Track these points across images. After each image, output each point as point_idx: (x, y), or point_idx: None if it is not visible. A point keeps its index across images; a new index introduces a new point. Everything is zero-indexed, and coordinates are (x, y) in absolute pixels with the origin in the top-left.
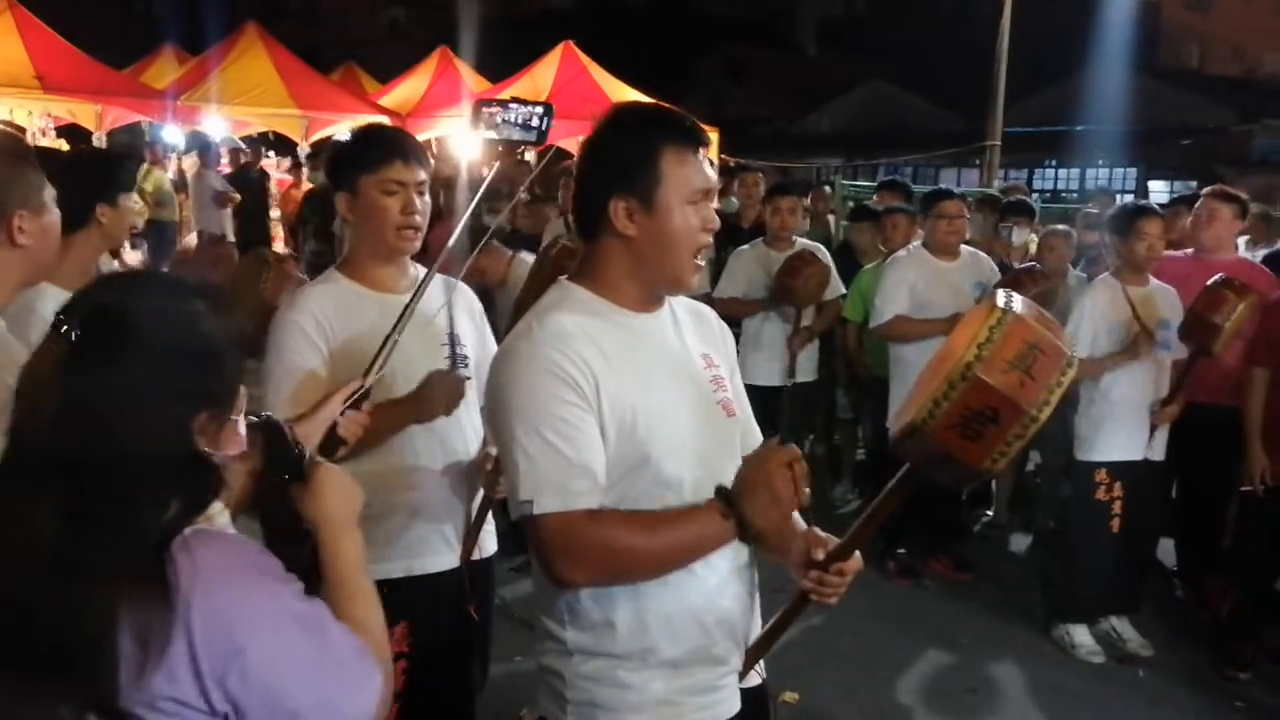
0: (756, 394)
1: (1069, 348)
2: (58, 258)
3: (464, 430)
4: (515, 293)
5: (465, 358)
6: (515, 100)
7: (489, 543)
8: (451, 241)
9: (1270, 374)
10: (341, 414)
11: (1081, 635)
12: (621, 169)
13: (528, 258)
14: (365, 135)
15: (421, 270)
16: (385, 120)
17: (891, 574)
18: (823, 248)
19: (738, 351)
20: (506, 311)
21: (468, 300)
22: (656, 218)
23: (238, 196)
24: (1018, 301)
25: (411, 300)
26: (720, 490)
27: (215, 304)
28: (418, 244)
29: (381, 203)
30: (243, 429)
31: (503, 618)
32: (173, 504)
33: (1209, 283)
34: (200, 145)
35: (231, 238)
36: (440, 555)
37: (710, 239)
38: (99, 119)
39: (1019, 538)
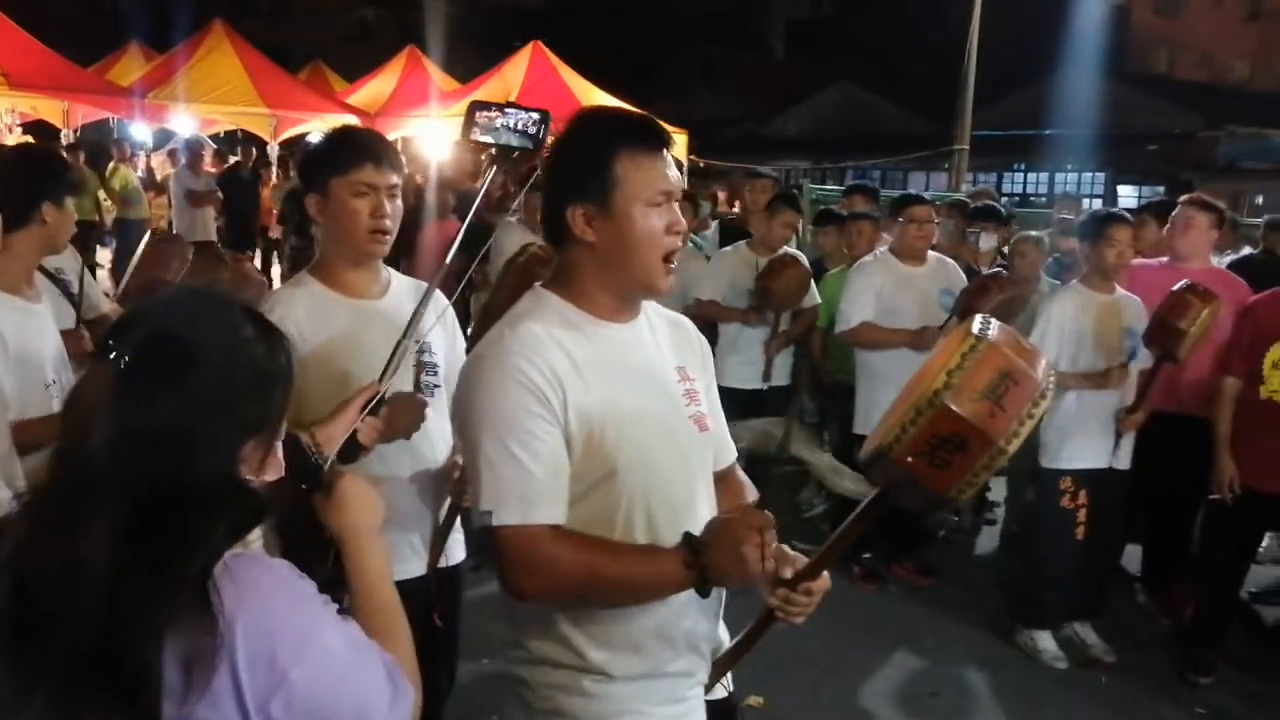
0: (732, 397)
1: (1045, 378)
2: None
3: (433, 438)
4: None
5: (435, 366)
6: (511, 105)
7: (456, 550)
8: (454, 248)
9: (1240, 383)
10: (360, 420)
11: (1045, 640)
12: (576, 175)
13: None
14: (337, 137)
15: (393, 273)
16: (354, 119)
17: (856, 579)
18: (800, 254)
19: (714, 354)
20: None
21: (440, 305)
22: (615, 222)
23: (218, 195)
24: (994, 328)
25: (420, 307)
26: (688, 537)
27: (264, 329)
28: (387, 248)
29: (352, 205)
30: (281, 456)
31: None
32: (218, 531)
33: (1174, 288)
34: (182, 144)
35: (213, 237)
36: (408, 563)
37: (678, 242)
38: (65, 116)
39: (983, 539)
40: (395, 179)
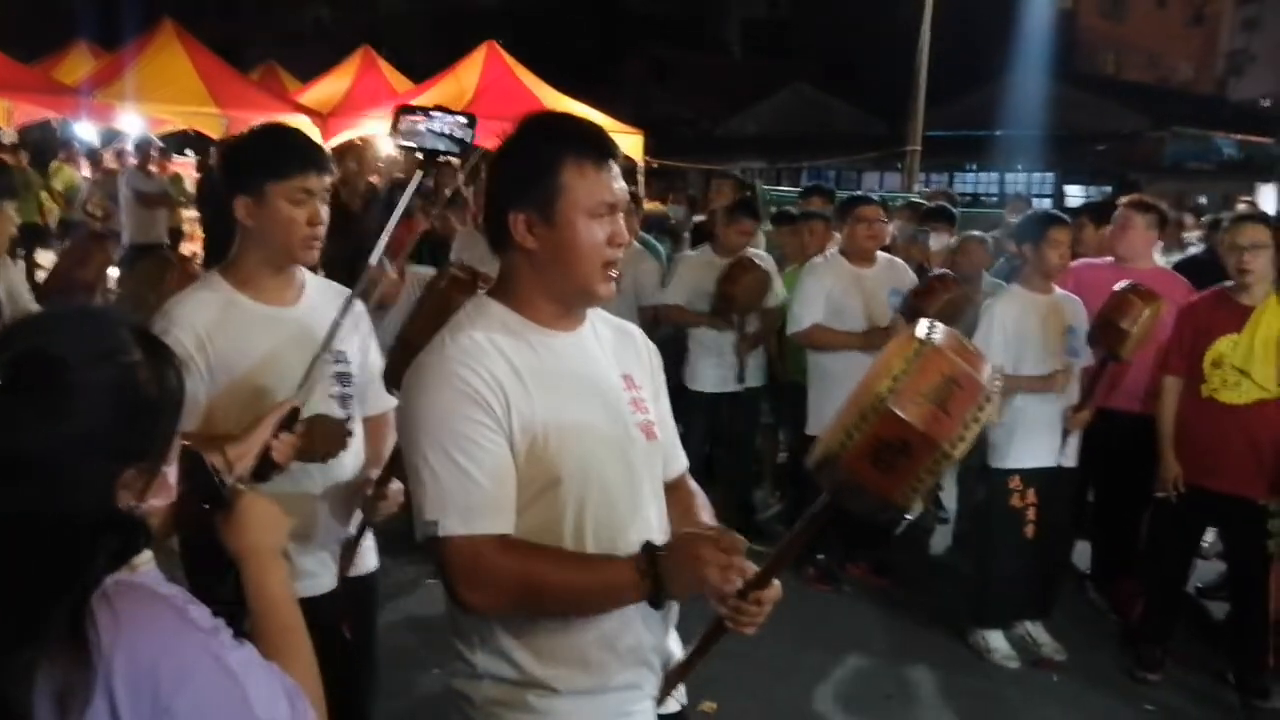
0: (706, 401)
1: (989, 382)
2: None
3: (345, 452)
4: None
5: (349, 375)
6: (439, 109)
7: (369, 558)
8: (376, 252)
9: (1182, 381)
10: (274, 437)
11: (997, 640)
12: (520, 181)
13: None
14: (273, 140)
15: (308, 276)
16: (306, 120)
17: (810, 580)
18: (766, 255)
19: (686, 359)
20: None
21: (357, 313)
22: (556, 230)
23: (170, 197)
24: (939, 332)
25: (339, 318)
26: (648, 547)
27: (153, 352)
28: (317, 254)
29: (289, 213)
30: (173, 477)
31: (418, 629)
32: (91, 563)
33: (1115, 288)
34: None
35: (164, 240)
36: (318, 579)
37: (619, 254)
38: (8, 115)
39: (936, 539)
40: (329, 183)
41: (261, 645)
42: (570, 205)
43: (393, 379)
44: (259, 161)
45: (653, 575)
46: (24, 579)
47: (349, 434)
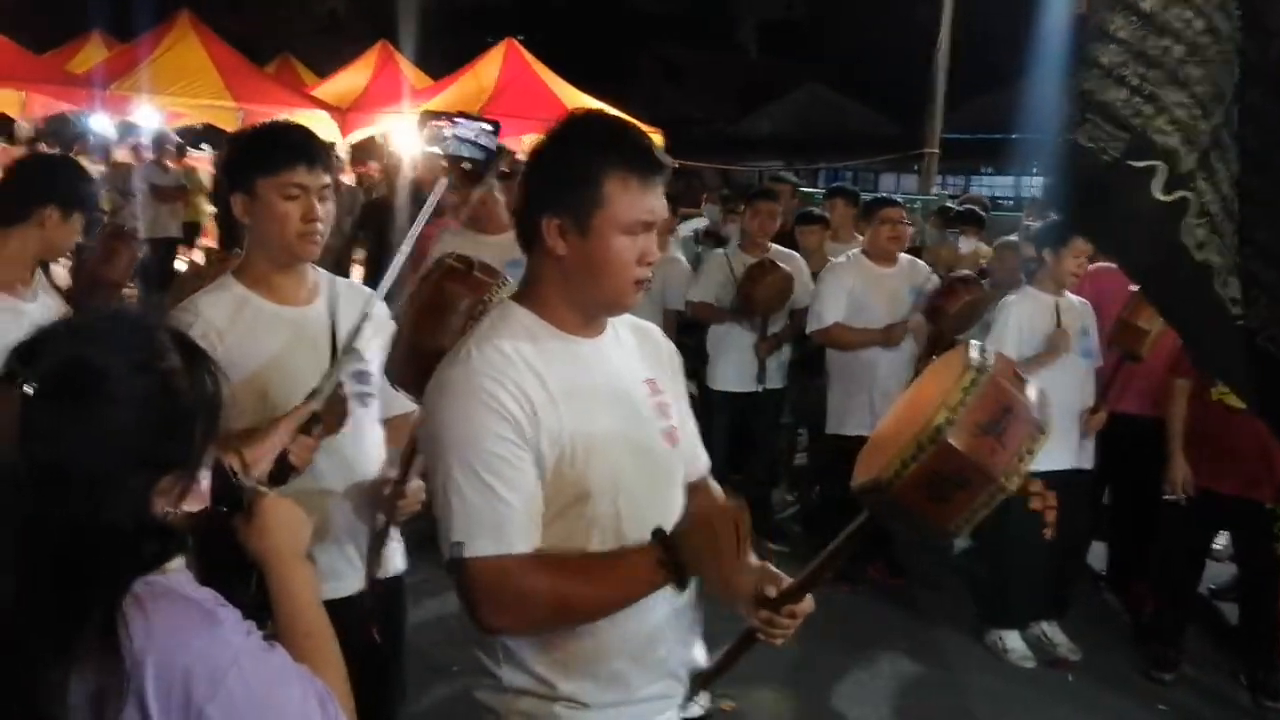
0: (727, 400)
1: (1040, 410)
2: None
3: (366, 451)
4: None
5: (368, 373)
6: (464, 115)
7: (396, 560)
8: (402, 254)
9: (1191, 384)
10: (292, 439)
11: (1013, 640)
12: (560, 185)
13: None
14: (265, 134)
15: (322, 274)
16: (324, 115)
17: (828, 580)
18: (796, 255)
19: (707, 358)
20: None
21: (377, 312)
22: (588, 242)
23: (187, 191)
24: (991, 357)
25: (360, 322)
26: (659, 534)
27: (189, 356)
28: (319, 250)
29: (281, 208)
30: (206, 483)
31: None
32: (126, 570)
33: (1134, 288)
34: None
35: (178, 234)
36: (344, 580)
37: (649, 273)
38: (23, 106)
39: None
40: (327, 179)
41: (289, 649)
42: (607, 219)
43: (392, 374)
44: (250, 158)
45: (672, 559)
46: (60, 588)
47: (344, 400)
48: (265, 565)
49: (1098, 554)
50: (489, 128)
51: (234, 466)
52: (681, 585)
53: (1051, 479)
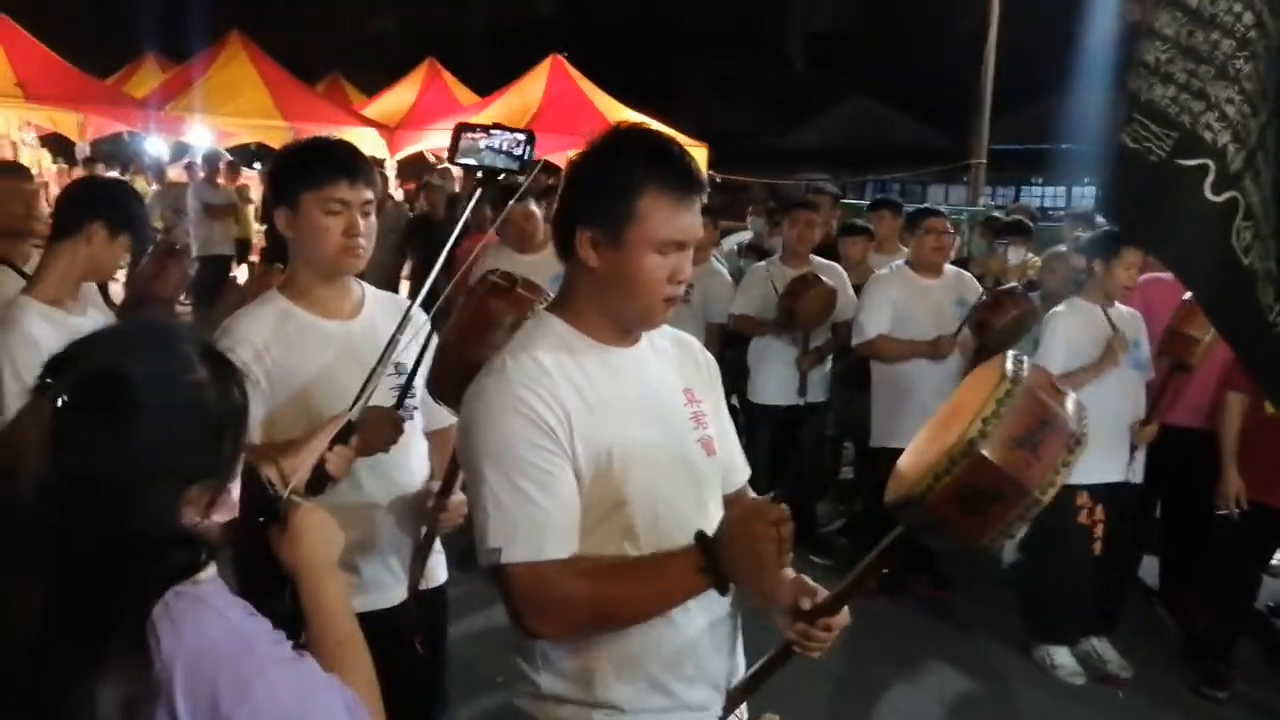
0: (768, 414)
1: (1078, 422)
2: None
3: (410, 463)
4: None
5: (412, 388)
6: (498, 126)
7: (438, 571)
8: (436, 268)
9: (1246, 397)
10: (330, 449)
11: (1062, 656)
12: (596, 198)
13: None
14: (309, 149)
15: (368, 289)
16: (372, 132)
17: (871, 592)
18: (838, 267)
19: (748, 369)
20: None
21: (420, 325)
22: (621, 255)
23: (238, 208)
24: (1027, 368)
25: (396, 333)
26: (700, 538)
27: (218, 368)
28: (362, 264)
29: (323, 222)
30: (236, 493)
31: (482, 642)
32: (156, 580)
33: (1185, 298)
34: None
35: (230, 251)
36: (388, 590)
37: (680, 290)
38: (81, 128)
39: (1005, 550)
40: (369, 194)
41: (319, 658)
42: (640, 235)
43: (434, 387)
44: (293, 172)
45: (713, 565)
46: (88, 598)
47: (400, 420)
48: (298, 575)
49: (1149, 568)
50: (522, 138)
51: (271, 477)
52: (722, 590)
53: (1100, 492)
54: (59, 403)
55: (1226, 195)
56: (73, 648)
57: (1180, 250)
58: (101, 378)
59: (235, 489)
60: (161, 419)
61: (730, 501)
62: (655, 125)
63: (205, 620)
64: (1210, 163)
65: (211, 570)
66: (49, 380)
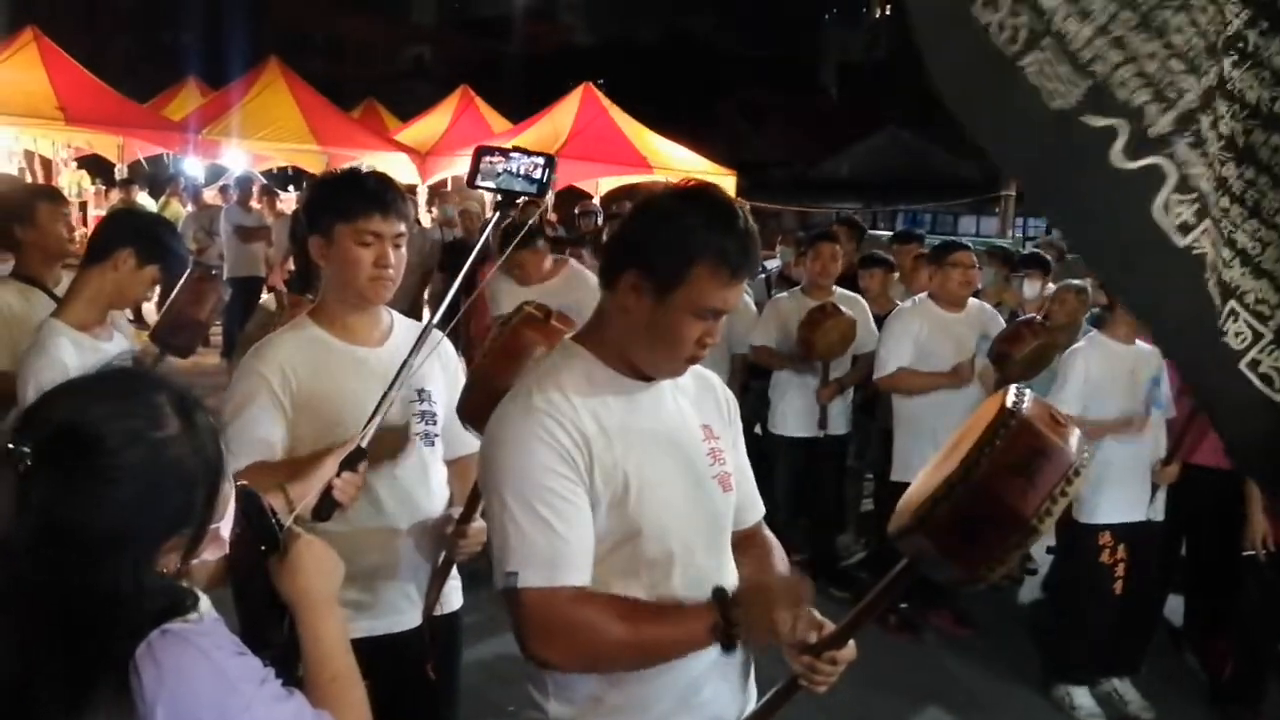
0: (787, 445)
1: (1077, 454)
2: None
3: (431, 488)
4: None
5: (434, 415)
6: (518, 150)
7: (453, 597)
8: (451, 292)
9: None
10: (337, 475)
11: (1082, 697)
12: (655, 246)
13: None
14: (345, 181)
15: (397, 317)
16: (404, 158)
17: (891, 628)
18: (859, 298)
19: (769, 401)
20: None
21: (443, 350)
22: (661, 310)
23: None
24: (1028, 400)
25: (409, 358)
26: (719, 595)
27: (190, 419)
28: (389, 294)
29: (355, 254)
30: (226, 530)
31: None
32: (132, 627)
33: None
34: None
35: (261, 273)
36: (403, 615)
37: (705, 353)
38: (120, 151)
39: (1024, 590)
40: (401, 228)
41: (313, 692)
42: (685, 298)
43: (465, 415)
44: (329, 203)
45: (726, 625)
46: (65, 653)
47: (406, 431)
48: (296, 607)
49: (1174, 609)
50: (541, 161)
51: (275, 506)
52: (728, 649)
53: (1122, 531)
54: (25, 460)
55: (1145, 162)
56: (53, 698)
57: (1072, 216)
58: (69, 436)
59: (225, 526)
60: (130, 476)
61: (745, 538)
62: (681, 154)
63: (188, 661)
64: (1122, 123)
65: (204, 606)
66: (15, 437)
